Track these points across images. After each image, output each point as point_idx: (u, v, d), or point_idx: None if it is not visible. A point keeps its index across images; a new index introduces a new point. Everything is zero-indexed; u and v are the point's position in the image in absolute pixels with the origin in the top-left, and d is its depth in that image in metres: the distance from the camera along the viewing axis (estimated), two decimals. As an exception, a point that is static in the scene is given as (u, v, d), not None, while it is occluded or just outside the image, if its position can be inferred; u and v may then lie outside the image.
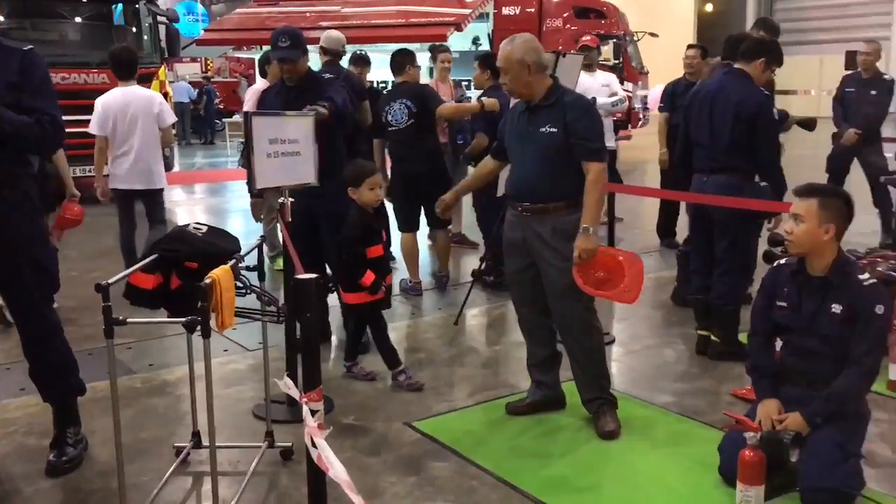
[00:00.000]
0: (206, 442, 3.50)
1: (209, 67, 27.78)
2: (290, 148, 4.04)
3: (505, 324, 5.57)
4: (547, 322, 3.93)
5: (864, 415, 3.20)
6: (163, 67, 11.44)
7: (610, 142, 7.18)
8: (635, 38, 18.77)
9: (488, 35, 19.40)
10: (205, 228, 3.33)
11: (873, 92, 7.74)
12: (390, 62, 6.08)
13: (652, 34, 18.61)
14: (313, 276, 2.46)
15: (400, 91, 5.99)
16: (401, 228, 6.20)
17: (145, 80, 9.03)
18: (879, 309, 3.05)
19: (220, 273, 2.79)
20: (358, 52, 6.93)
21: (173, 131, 6.24)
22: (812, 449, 3.02)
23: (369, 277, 4.19)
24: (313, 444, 2.33)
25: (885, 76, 7.97)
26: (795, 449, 3.01)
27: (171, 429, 3.86)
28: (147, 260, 3.09)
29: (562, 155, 3.59)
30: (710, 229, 4.67)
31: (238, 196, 11.31)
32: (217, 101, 23.41)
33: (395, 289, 6.09)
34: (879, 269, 4.29)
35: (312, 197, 4.37)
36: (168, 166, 9.65)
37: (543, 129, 3.62)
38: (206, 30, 21.67)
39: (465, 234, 8.03)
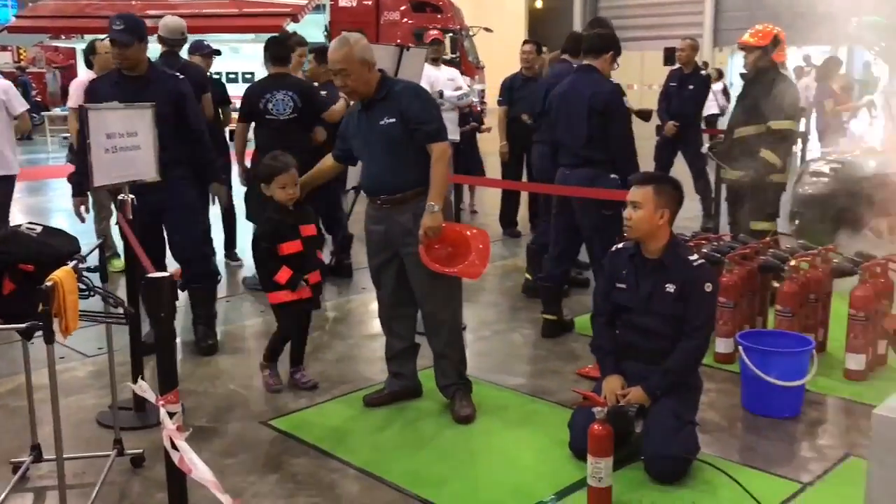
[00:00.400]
0: (47, 455, 3.30)
1: (22, 57, 25.83)
2: (129, 142, 3.86)
3: (356, 318, 5.58)
4: (408, 313, 3.98)
5: (697, 386, 3.47)
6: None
7: (454, 134, 7.33)
8: (471, 33, 19.22)
9: (325, 27, 19.25)
10: (39, 228, 3.13)
11: (691, 86, 8.33)
12: (269, 51, 5.89)
13: (487, 29, 19.10)
14: (165, 274, 2.38)
15: (283, 82, 5.81)
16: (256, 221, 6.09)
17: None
18: (708, 287, 3.31)
19: (62, 275, 2.64)
20: (201, 42, 6.70)
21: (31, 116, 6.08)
22: (653, 420, 3.24)
23: (284, 274, 4.01)
24: (174, 447, 2.25)
25: (703, 72, 8.59)
26: (640, 420, 3.21)
27: (5, 445, 3.60)
28: (-26, 264, 2.87)
29: (405, 143, 3.66)
30: (570, 221, 4.85)
31: (61, 195, 10.64)
32: (34, 93, 21.82)
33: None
34: (704, 250, 4.64)
35: (153, 192, 4.19)
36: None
37: (383, 122, 3.67)
38: (17, 16, 20.13)
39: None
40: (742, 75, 5.80)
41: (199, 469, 2.16)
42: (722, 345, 4.44)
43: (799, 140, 5.56)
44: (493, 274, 6.54)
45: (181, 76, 4.79)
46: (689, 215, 8.20)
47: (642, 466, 3.26)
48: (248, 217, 6.18)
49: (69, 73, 23.86)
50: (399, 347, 4.03)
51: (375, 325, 5.07)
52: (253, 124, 5.85)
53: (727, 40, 28.53)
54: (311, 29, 19.97)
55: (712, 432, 3.69)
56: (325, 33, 18.99)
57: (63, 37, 22.91)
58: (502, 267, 6.71)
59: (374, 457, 3.48)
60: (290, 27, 17.53)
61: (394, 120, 3.65)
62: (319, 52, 6.49)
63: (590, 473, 3.04)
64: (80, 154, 4.37)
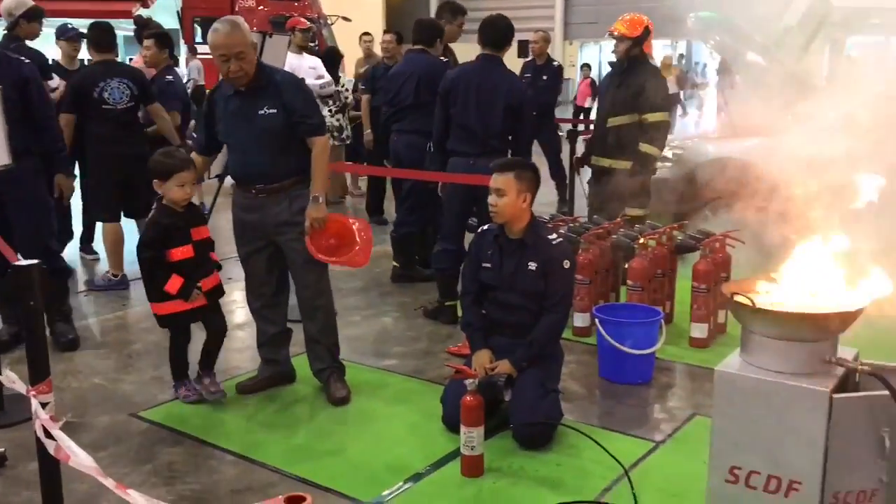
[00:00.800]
0: None
1: None
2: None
3: (225, 310, 5.51)
4: (279, 300, 4.01)
5: (558, 357, 3.69)
6: None
7: None
8: (329, 22, 19.05)
9: (177, 12, 18.59)
10: None
11: (545, 77, 8.70)
12: (92, 37, 5.65)
13: (345, 18, 18.98)
14: (34, 262, 2.33)
15: (115, 69, 5.59)
16: (101, 218, 5.88)
17: None
18: (566, 264, 3.54)
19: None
20: (66, 26, 6.37)
21: None
22: (518, 390, 3.43)
23: (175, 283, 3.64)
24: (48, 436, 2.22)
25: (555, 62, 8.97)
26: (508, 390, 3.39)
27: None
28: None
29: (286, 134, 3.67)
30: (466, 211, 5.00)
31: None
32: None
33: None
34: (562, 231, 4.90)
35: None
36: None
37: (262, 112, 3.65)
38: None
39: None
40: (611, 64, 5.90)
41: (78, 456, 2.14)
42: (580, 319, 4.72)
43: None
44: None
45: (27, 60, 4.57)
46: (546, 200, 8.59)
47: (511, 434, 3.45)
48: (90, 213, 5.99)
49: None
50: (271, 333, 4.05)
51: (243, 315, 5.07)
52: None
53: (577, 34, 29.72)
54: (163, 15, 19.24)
55: (574, 400, 3.94)
56: (178, 19, 18.36)
57: None
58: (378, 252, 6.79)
59: (251, 441, 3.51)
60: (141, 13, 16.83)
61: (275, 111, 3.64)
62: (161, 37, 6.33)
63: (463, 442, 3.20)
64: None
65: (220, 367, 4.38)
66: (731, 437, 2.52)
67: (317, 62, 8.25)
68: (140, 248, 3.74)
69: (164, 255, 3.65)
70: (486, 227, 3.74)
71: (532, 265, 3.53)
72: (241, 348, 4.63)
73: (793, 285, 2.67)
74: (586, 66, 16.00)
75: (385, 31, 7.99)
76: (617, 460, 3.19)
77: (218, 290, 3.88)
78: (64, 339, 4.59)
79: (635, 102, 5.44)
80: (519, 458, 3.34)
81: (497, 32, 4.95)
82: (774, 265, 2.77)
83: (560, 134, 9.12)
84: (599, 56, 33.45)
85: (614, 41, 5.57)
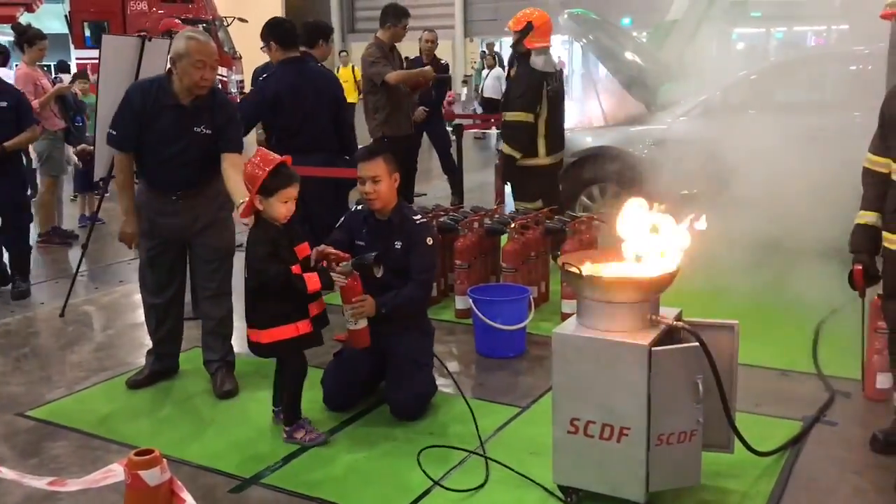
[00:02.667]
0: None
1: None
2: None
3: (114, 309, 5.59)
4: (180, 298, 4.17)
5: (429, 332, 3.93)
6: None
7: None
8: (225, 23, 18.93)
9: (65, 17, 18.15)
10: None
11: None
12: None
13: (241, 19, 18.89)
14: None
15: None
16: None
17: None
18: (429, 241, 3.80)
19: None
20: None
21: None
22: (392, 366, 3.68)
23: (312, 278, 3.34)
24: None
25: (442, 61, 9.24)
26: (378, 267, 3.48)
27: None
28: None
29: (210, 150, 3.85)
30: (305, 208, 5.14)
31: None
32: None
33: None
34: (441, 219, 5.18)
35: None
36: None
37: (198, 129, 3.81)
38: None
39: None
40: (510, 59, 6.05)
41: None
42: (460, 302, 4.98)
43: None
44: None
45: None
46: (442, 194, 8.88)
47: (388, 409, 3.68)
48: None
49: None
50: (168, 329, 4.17)
51: (133, 315, 5.16)
52: None
53: (478, 31, 30.20)
54: (49, 20, 18.75)
55: (450, 375, 4.20)
56: (67, 23, 17.93)
57: None
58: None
59: (137, 431, 3.64)
60: (25, 18, 16.37)
61: (210, 132, 3.83)
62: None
63: (347, 320, 3.51)
64: None
65: (108, 363, 4.50)
66: (569, 391, 2.82)
67: None
68: (261, 266, 3.35)
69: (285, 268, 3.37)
70: (359, 206, 3.94)
71: (398, 244, 3.76)
72: (133, 346, 4.73)
73: (620, 254, 2.98)
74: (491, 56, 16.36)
75: None
76: (476, 423, 3.46)
77: (322, 320, 3.53)
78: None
79: (506, 100, 5.79)
80: (395, 430, 3.57)
81: (286, 33, 5.24)
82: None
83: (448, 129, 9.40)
84: (500, 53, 34.12)
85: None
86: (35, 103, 7.08)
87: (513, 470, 3.15)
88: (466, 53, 30.10)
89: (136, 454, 1.78)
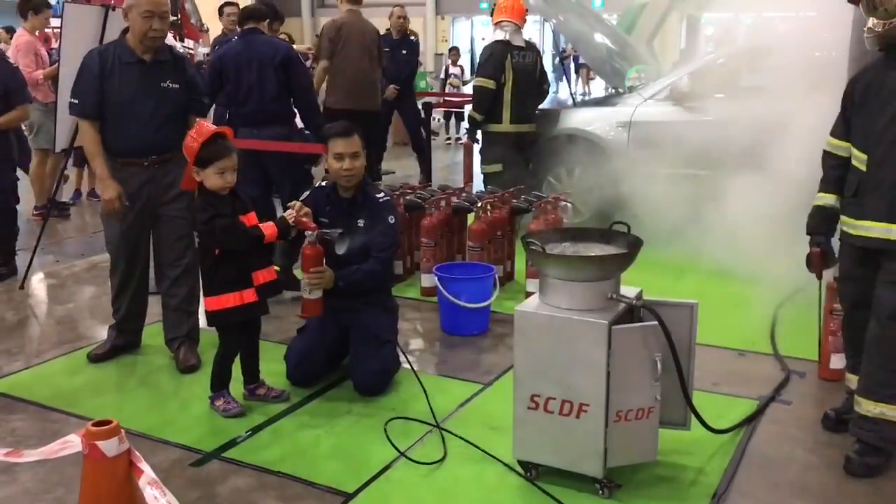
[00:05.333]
0: None
1: None
2: None
3: (75, 283, 5.52)
4: (144, 271, 4.10)
5: (392, 308, 3.95)
6: None
7: None
8: (193, -5, 18.56)
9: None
10: None
11: (404, 52, 8.91)
12: None
13: (209, -8, 18.57)
14: None
15: None
16: None
17: None
18: (391, 219, 3.79)
19: None
20: None
21: None
22: (356, 342, 3.70)
23: (269, 226, 3.37)
24: None
25: (412, 37, 9.20)
26: (341, 243, 3.55)
27: None
28: None
29: (182, 108, 3.79)
30: (263, 179, 5.10)
31: None
32: None
33: None
34: (408, 197, 5.18)
35: None
36: None
37: (165, 85, 3.74)
38: None
39: None
40: None
41: None
42: (426, 279, 5.00)
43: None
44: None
45: None
46: (412, 172, 8.86)
47: (352, 385, 3.70)
48: None
49: None
50: (133, 303, 4.12)
51: (95, 289, 5.11)
52: None
53: (448, 9, 30.01)
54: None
55: (414, 352, 4.23)
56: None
57: None
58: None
59: (97, 404, 3.61)
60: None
61: (178, 86, 3.77)
62: None
63: (303, 288, 3.52)
64: None
65: (68, 336, 4.45)
66: (530, 368, 2.85)
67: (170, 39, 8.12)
68: (205, 227, 3.34)
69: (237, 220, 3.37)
70: (322, 183, 3.92)
71: (361, 222, 3.75)
72: (95, 319, 4.68)
73: (582, 233, 3.02)
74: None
75: (226, 4, 7.98)
76: (429, 403, 3.50)
77: (271, 288, 3.55)
78: None
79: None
80: (358, 405, 3.58)
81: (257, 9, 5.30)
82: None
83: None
84: (472, 31, 33.96)
85: None
86: (39, 74, 6.92)
87: (473, 445, 3.18)
88: (438, 31, 29.92)
89: (94, 425, 1.77)
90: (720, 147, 5.28)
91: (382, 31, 8.18)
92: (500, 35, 6.20)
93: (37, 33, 7.30)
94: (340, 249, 3.55)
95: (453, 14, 28.90)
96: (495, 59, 6.16)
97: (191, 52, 16.45)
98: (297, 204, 3.49)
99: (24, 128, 7.33)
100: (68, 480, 2.95)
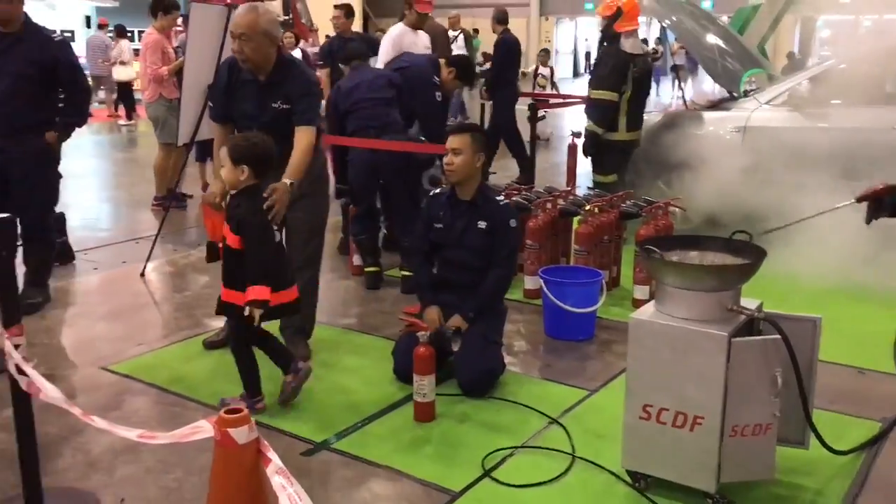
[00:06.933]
0: None
1: None
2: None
3: (192, 272, 5.74)
4: None
5: (501, 312, 3.96)
6: None
7: None
8: (303, -5, 19.04)
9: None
10: None
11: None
12: None
13: (319, -9, 19.01)
14: (5, 216, 2.53)
15: None
16: None
17: None
18: (513, 223, 3.82)
19: None
20: None
21: None
22: (464, 342, 3.70)
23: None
24: (21, 373, 2.45)
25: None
26: (457, 340, 3.63)
27: None
28: None
29: (290, 124, 3.84)
30: (375, 181, 5.24)
31: None
32: None
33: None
34: (514, 198, 5.16)
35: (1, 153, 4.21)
36: None
37: (276, 105, 3.82)
38: None
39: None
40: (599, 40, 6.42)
41: (47, 389, 2.37)
42: (530, 282, 4.98)
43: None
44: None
45: (58, 37, 4.78)
46: (511, 172, 8.84)
47: (457, 384, 3.72)
48: None
49: None
50: None
51: (211, 279, 5.29)
52: None
53: (552, 9, 29.82)
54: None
55: (518, 354, 4.22)
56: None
57: None
58: (332, 224, 7.00)
59: (213, 390, 3.74)
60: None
61: (287, 107, 3.84)
62: None
63: (415, 390, 3.44)
64: None
65: (186, 323, 4.63)
66: (644, 378, 2.80)
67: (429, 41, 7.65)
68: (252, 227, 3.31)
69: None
70: (437, 190, 4.00)
71: (481, 224, 3.79)
72: (211, 310, 4.85)
73: (701, 241, 2.94)
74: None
75: (335, 6, 8.12)
76: (537, 410, 3.48)
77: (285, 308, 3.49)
78: (28, 302, 4.71)
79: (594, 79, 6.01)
80: (463, 405, 3.60)
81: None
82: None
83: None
84: (575, 32, 33.66)
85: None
86: (164, 70, 7.27)
87: (576, 456, 3.15)
88: (541, 32, 29.76)
89: (226, 412, 1.84)
90: (840, 156, 5.06)
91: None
92: (626, 45, 5.93)
93: (166, 32, 7.61)
94: (455, 346, 3.59)
95: (557, 15, 28.70)
96: (619, 70, 5.90)
97: (310, 49, 16.80)
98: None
99: (150, 122, 7.66)
100: (186, 462, 3.08)
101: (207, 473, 2.97)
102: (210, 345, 4.25)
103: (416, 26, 6.47)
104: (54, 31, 4.89)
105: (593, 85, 5.96)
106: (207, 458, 3.06)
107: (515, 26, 9.87)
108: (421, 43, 6.72)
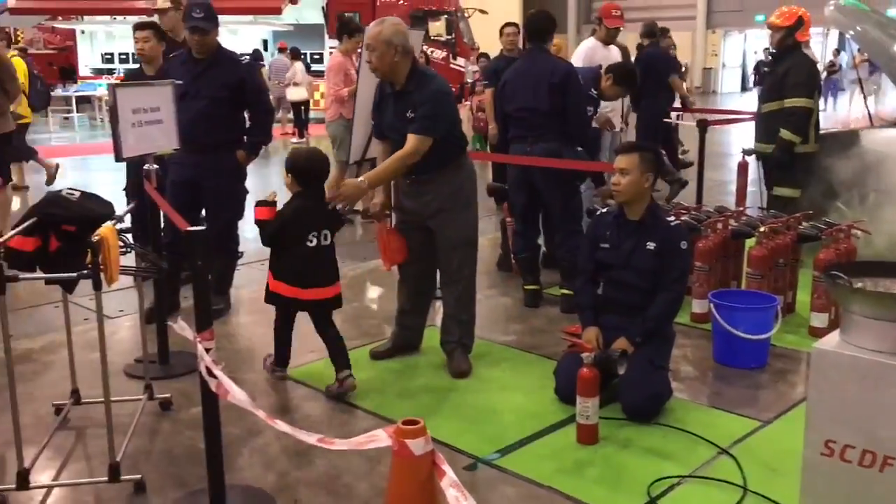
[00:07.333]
0: (86, 398, 3.68)
1: (19, 38, 25.93)
2: (153, 116, 4.21)
3: (359, 284, 5.95)
4: (424, 273, 4.35)
5: (669, 336, 3.85)
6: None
7: None
8: (466, 15, 19.46)
9: (322, 8, 19.46)
10: (77, 193, 3.46)
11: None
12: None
13: (482, 11, 19.34)
14: (201, 228, 2.73)
15: None
16: None
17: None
18: (684, 245, 3.72)
19: (106, 232, 3.00)
20: None
21: None
22: (629, 364, 3.61)
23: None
24: (211, 375, 2.62)
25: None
26: (623, 364, 3.55)
27: (46, 391, 3.97)
28: (27, 223, 3.20)
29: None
30: (532, 196, 5.22)
31: (96, 168, 10.96)
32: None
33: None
34: (683, 218, 5.01)
35: (194, 166, 4.56)
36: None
37: (409, 115, 3.95)
38: (16, -3, 20.31)
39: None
40: (771, 54, 6.43)
41: (234, 392, 2.52)
42: (697, 305, 4.81)
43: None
44: (484, 246, 6.90)
45: (246, 61, 5.20)
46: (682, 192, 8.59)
47: (620, 407, 3.64)
48: None
49: (69, 54, 24.05)
50: (413, 302, 4.39)
51: (377, 291, 5.47)
52: None
53: (720, 22, 28.83)
54: (309, 10, 20.23)
55: (685, 380, 4.08)
56: (324, 14, 19.24)
57: (61, 18, 23.09)
58: (492, 239, 7.07)
59: (379, 400, 3.86)
60: (289, 9, 17.77)
61: (415, 115, 3.94)
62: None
63: (579, 412, 3.40)
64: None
65: (352, 333, 4.80)
66: (827, 411, 2.63)
67: (620, 55, 7.60)
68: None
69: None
70: (604, 209, 3.95)
71: (650, 245, 3.71)
72: (378, 321, 5.02)
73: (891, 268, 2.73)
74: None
75: (507, 24, 8.14)
76: (705, 439, 3.34)
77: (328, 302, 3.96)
78: (212, 308, 5.03)
79: (782, 89, 5.78)
80: (626, 429, 3.52)
81: (537, 26, 5.28)
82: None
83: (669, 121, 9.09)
84: (744, 45, 32.35)
85: (770, 31, 6.05)
86: (344, 91, 7.65)
87: (749, 490, 3.00)
88: (707, 45, 28.85)
89: (404, 423, 1.89)
90: None
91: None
92: (810, 52, 5.97)
93: (350, 55, 7.96)
94: (622, 370, 3.53)
95: (725, 28, 27.72)
96: (814, 77, 6.01)
97: (461, 69, 17.14)
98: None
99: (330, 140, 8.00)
100: (356, 468, 3.20)
101: (375, 480, 3.11)
102: (376, 355, 4.39)
103: (607, 41, 6.42)
104: (243, 55, 5.25)
105: (788, 93, 5.75)
106: (375, 465, 3.20)
107: (680, 40, 9.62)
108: (613, 57, 6.69)
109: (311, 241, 3.83)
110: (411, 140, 3.88)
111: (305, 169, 3.88)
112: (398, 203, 4.32)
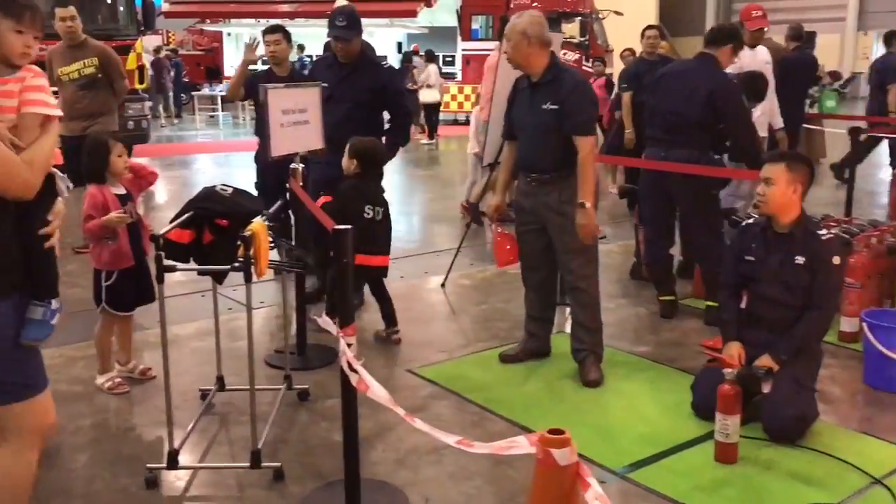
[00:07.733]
0: (229, 385, 3.86)
1: (171, 40, 27.52)
2: (300, 117, 4.36)
3: (489, 285, 5.96)
4: (548, 278, 4.31)
5: (817, 356, 3.64)
6: (139, 40, 11.49)
7: None
8: (600, 16, 19.17)
9: (457, 11, 19.65)
10: (230, 190, 3.63)
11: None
12: None
13: (617, 13, 19.01)
14: (349, 227, 2.79)
15: None
16: None
17: (122, 52, 9.16)
18: (836, 259, 3.51)
19: (257, 227, 3.13)
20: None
21: None
22: (774, 383, 3.45)
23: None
24: (352, 370, 2.68)
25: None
26: (767, 382, 3.41)
27: (192, 376, 4.18)
28: (184, 217, 3.38)
29: (559, 129, 3.92)
30: (666, 203, 5.05)
31: (237, 164, 11.51)
32: (183, 73, 23.28)
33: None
34: (834, 231, 4.74)
35: (338, 168, 4.73)
36: (143, 138, 9.98)
37: (545, 107, 3.94)
38: (171, 2, 21.52)
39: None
40: None
41: (374, 388, 2.57)
42: (847, 324, 4.55)
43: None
44: (617, 253, 6.79)
45: (387, 65, 5.34)
46: (821, 202, 8.17)
47: (762, 427, 3.48)
48: None
49: (215, 55, 25.31)
50: (539, 308, 4.36)
51: (505, 294, 5.46)
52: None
53: (874, 23, 27.17)
54: (443, 13, 20.49)
55: (832, 403, 3.86)
56: (457, 17, 19.42)
57: (209, 21, 24.34)
58: (623, 246, 6.93)
59: (509, 405, 3.84)
60: (424, 12, 18.05)
61: (556, 107, 3.92)
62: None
63: (718, 429, 3.28)
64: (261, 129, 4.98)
65: (483, 336, 4.81)
66: None
67: (769, 56, 7.04)
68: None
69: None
70: (750, 220, 3.78)
71: (799, 259, 3.53)
72: (506, 325, 5.01)
73: None
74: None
75: (649, 27, 7.94)
76: (861, 469, 3.14)
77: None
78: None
79: None
80: (769, 450, 3.37)
81: (713, 32, 5.06)
82: None
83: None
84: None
85: None
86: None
87: (911, 521, 2.81)
88: (858, 48, 27.30)
89: (549, 432, 1.87)
90: None
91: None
92: None
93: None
94: (766, 388, 3.39)
95: (878, 30, 26.05)
96: None
97: (590, 70, 16.91)
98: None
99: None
100: (486, 471, 3.20)
101: (506, 484, 3.10)
102: (506, 358, 4.38)
103: (751, 44, 6.20)
104: (384, 59, 5.36)
105: None
106: (506, 470, 3.19)
107: (828, 43, 9.12)
108: (760, 59, 6.41)
109: (368, 213, 4.46)
110: (582, 144, 3.90)
111: (368, 156, 4.51)
112: (517, 203, 4.27)
